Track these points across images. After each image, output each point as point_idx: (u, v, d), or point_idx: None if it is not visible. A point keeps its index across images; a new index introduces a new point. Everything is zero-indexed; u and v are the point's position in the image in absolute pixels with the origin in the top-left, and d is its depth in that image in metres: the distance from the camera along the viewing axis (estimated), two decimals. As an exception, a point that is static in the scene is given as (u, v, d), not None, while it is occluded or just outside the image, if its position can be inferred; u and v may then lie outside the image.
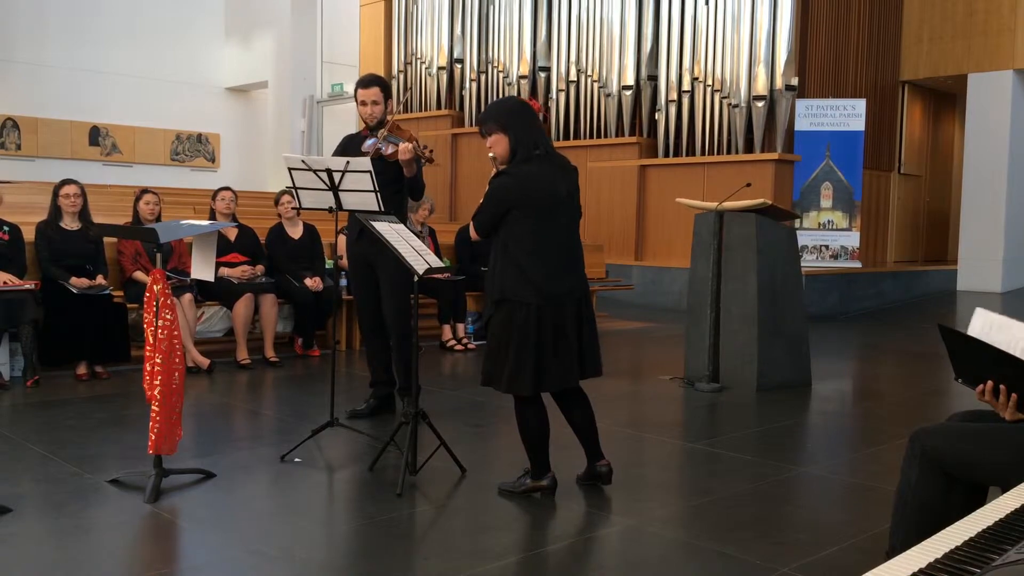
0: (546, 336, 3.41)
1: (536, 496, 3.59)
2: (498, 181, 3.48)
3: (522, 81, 12.62)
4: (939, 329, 2.42)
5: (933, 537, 1.59)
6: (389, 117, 4.88)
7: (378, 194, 4.22)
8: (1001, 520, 1.66)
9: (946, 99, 13.76)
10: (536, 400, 3.53)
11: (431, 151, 4.75)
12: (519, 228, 3.42)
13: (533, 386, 3.43)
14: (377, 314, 4.99)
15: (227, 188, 6.90)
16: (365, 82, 4.94)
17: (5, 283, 5.54)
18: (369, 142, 4.80)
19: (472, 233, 3.59)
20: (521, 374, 3.42)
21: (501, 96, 12.93)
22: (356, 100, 4.93)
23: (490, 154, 3.54)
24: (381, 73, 14.58)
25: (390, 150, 4.71)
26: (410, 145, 4.61)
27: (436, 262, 3.91)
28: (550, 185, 3.46)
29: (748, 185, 6.37)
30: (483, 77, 13.27)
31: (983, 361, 2.31)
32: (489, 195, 3.49)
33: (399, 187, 4.87)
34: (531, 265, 3.41)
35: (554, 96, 12.30)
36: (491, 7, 13.12)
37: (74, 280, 5.81)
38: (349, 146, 5.00)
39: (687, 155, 11.21)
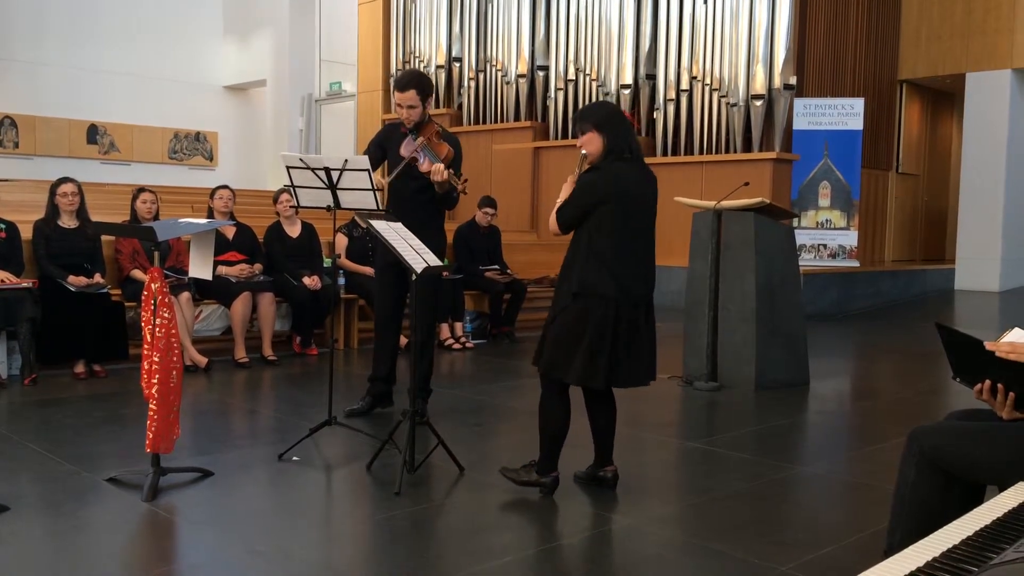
0: (622, 333, 3.45)
1: (536, 492, 3.59)
2: (588, 177, 3.53)
3: (520, 80, 12.61)
4: (937, 328, 2.42)
5: (931, 536, 1.59)
6: (430, 121, 4.78)
7: (376, 192, 4.21)
8: (998, 519, 1.67)
9: (944, 98, 13.77)
10: (565, 395, 3.57)
11: (466, 182, 4.62)
12: (606, 224, 3.45)
13: (606, 380, 3.47)
14: (396, 313, 5.00)
15: (225, 187, 6.89)
16: (401, 84, 4.73)
17: (3, 281, 5.53)
18: (408, 148, 4.69)
19: (553, 226, 3.58)
20: (596, 368, 3.44)
21: (498, 96, 12.93)
22: (393, 102, 4.83)
23: (582, 151, 3.56)
24: (379, 72, 14.68)
25: (425, 166, 4.62)
26: (444, 170, 4.50)
27: (434, 260, 3.91)
28: (637, 188, 3.52)
29: (746, 184, 6.38)
30: (481, 76, 13.26)
31: (981, 360, 2.31)
32: (577, 190, 3.53)
33: (433, 193, 4.80)
34: (615, 261, 3.44)
35: (552, 95, 12.29)
36: (489, 6, 13.11)
37: (72, 278, 5.80)
38: (389, 140, 4.89)
39: (685, 154, 11.20)
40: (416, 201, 4.77)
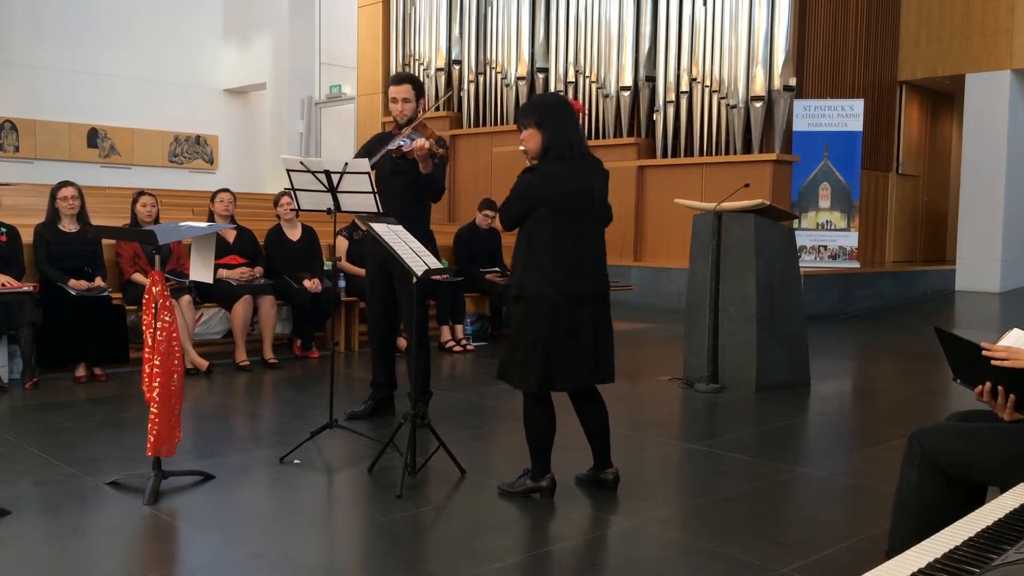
0: (559, 336, 3.40)
1: (535, 497, 3.59)
2: (524, 178, 3.48)
3: (520, 83, 12.62)
4: (935, 332, 2.42)
5: (932, 537, 1.59)
6: (420, 114, 4.84)
7: (376, 195, 4.22)
8: (1000, 520, 1.66)
9: (944, 99, 13.78)
10: (546, 399, 3.54)
11: (444, 149, 4.71)
12: (543, 227, 3.42)
13: (541, 384, 3.44)
14: (390, 318, 5.00)
15: (226, 190, 6.89)
16: (397, 79, 4.91)
17: (3, 285, 5.53)
18: (395, 141, 4.76)
19: (498, 223, 3.61)
20: (531, 372, 3.43)
21: (499, 98, 12.94)
22: (388, 97, 4.90)
23: (521, 147, 3.53)
24: (379, 75, 14.70)
25: (408, 146, 4.69)
26: (424, 141, 4.54)
27: (435, 263, 3.91)
28: (578, 186, 3.45)
29: (746, 186, 6.38)
30: (481, 78, 13.27)
31: (980, 362, 2.31)
32: (514, 191, 3.49)
33: (422, 189, 4.83)
34: (552, 265, 3.41)
35: (552, 97, 12.29)
36: (489, 8, 13.12)
37: (72, 282, 5.81)
38: (375, 144, 4.95)
39: (685, 156, 11.21)
40: (406, 197, 4.78)
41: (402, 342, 6.40)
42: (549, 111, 3.49)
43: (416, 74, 14.08)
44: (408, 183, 4.77)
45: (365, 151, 4.94)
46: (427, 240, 4.79)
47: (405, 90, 4.83)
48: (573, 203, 3.43)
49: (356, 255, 7.35)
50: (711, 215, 6.00)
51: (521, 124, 3.51)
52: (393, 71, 14.41)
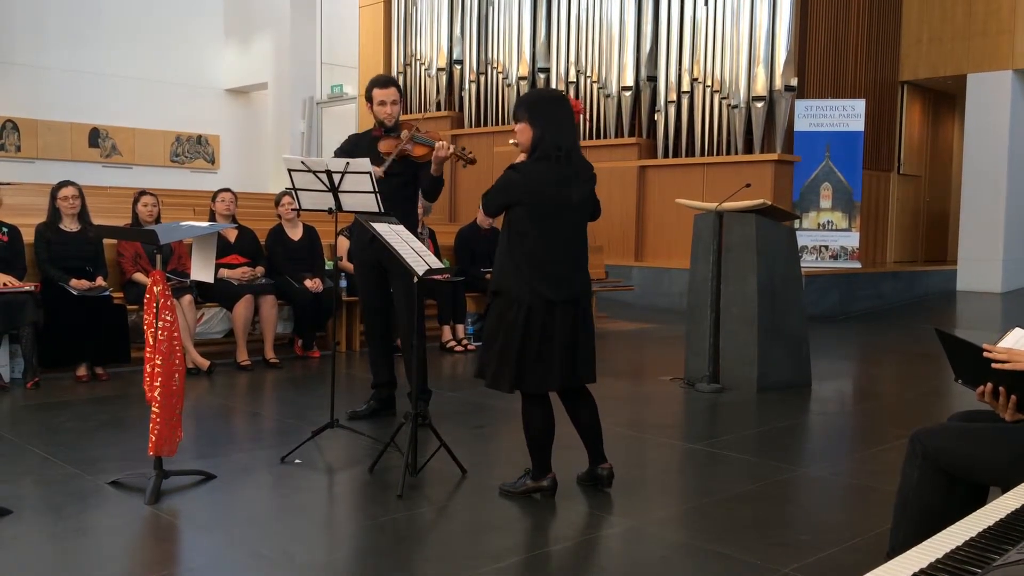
0: (532, 337, 3.40)
1: (536, 497, 3.59)
2: (507, 174, 3.48)
3: (522, 82, 12.62)
4: (936, 333, 2.42)
5: (934, 537, 1.59)
6: (402, 118, 4.85)
7: (378, 195, 4.22)
8: (1002, 520, 1.66)
9: (945, 99, 13.77)
10: (543, 399, 3.53)
11: (472, 152, 4.70)
12: (521, 226, 3.42)
13: (511, 385, 3.44)
14: (386, 317, 5.00)
15: (227, 189, 6.90)
16: (382, 82, 4.87)
17: (5, 285, 5.53)
18: (389, 143, 4.73)
19: (480, 212, 3.63)
20: (503, 371, 3.43)
21: (500, 98, 12.93)
22: (372, 100, 4.84)
23: (512, 141, 3.52)
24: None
25: (419, 151, 4.66)
26: (449, 144, 4.53)
27: (436, 263, 3.91)
28: (559, 189, 3.43)
29: (748, 186, 6.37)
30: (482, 78, 13.27)
31: (981, 364, 2.31)
32: (498, 184, 3.50)
33: (414, 189, 4.85)
34: (528, 265, 3.40)
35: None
36: (490, 8, 13.12)
37: (74, 282, 5.81)
38: (358, 147, 4.90)
39: (687, 156, 11.21)
40: (401, 196, 4.79)
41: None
42: (543, 107, 3.47)
43: (418, 74, 14.10)
44: (402, 184, 4.77)
45: (346, 154, 4.92)
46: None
47: (393, 93, 4.83)
48: (550, 205, 3.42)
49: (357, 255, 7.35)
50: (712, 215, 6.00)
51: (515, 116, 3.50)
52: (395, 71, 14.41)
